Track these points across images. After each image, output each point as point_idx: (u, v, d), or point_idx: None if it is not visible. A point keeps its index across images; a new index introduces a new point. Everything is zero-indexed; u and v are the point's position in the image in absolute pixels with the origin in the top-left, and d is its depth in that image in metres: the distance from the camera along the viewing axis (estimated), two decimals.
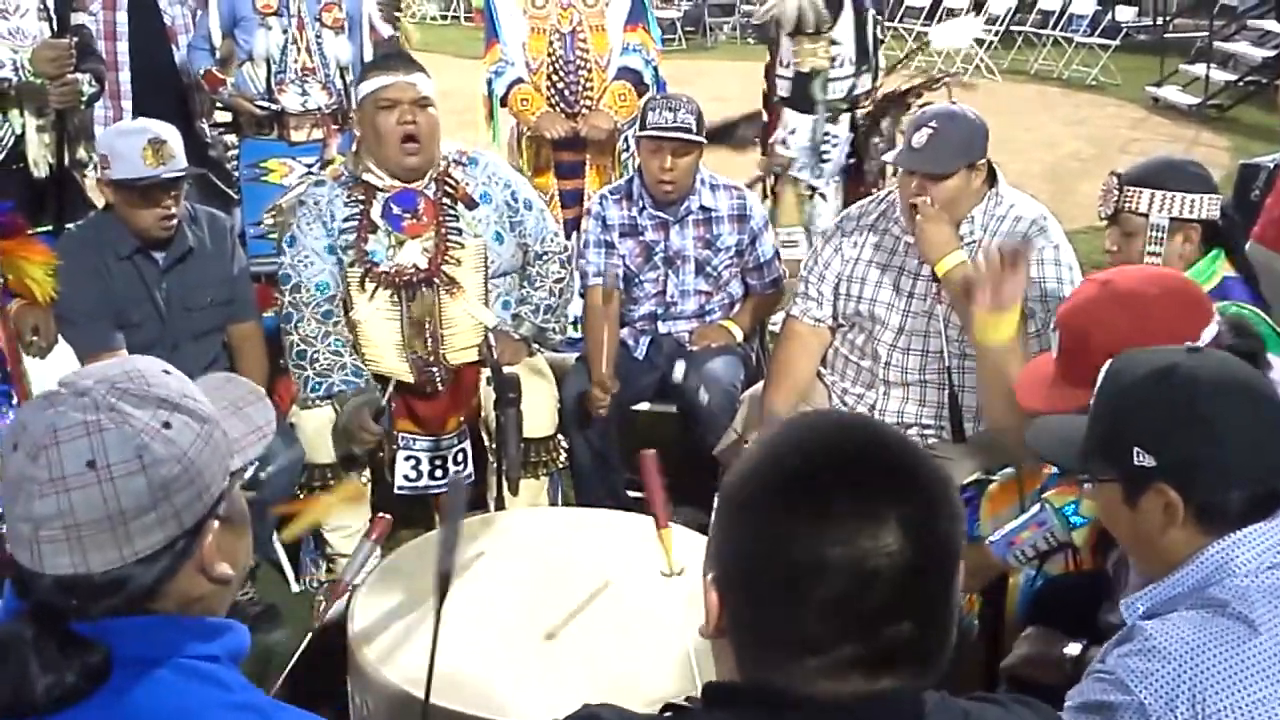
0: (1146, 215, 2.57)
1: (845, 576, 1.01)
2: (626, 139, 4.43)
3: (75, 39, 3.74)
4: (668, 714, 1.14)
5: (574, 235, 4.24)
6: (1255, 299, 2.54)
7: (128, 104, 4.47)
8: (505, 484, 2.88)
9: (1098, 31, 13.58)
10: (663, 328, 3.74)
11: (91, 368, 1.23)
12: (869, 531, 1.01)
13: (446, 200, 3.30)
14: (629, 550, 2.62)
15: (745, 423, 3.31)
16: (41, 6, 3.77)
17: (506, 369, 2.94)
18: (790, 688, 1.04)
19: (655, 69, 4.44)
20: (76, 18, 3.91)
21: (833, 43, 4.20)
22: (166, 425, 1.18)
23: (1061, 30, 13.86)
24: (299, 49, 4.28)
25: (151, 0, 4.53)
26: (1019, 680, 2.18)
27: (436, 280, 3.26)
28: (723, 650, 1.11)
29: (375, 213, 3.27)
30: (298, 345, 3.23)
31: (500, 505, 2.98)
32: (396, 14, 4.75)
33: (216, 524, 1.23)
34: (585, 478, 3.62)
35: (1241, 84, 11.48)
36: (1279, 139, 7.07)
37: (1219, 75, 11.66)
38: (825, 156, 4.33)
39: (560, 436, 3.44)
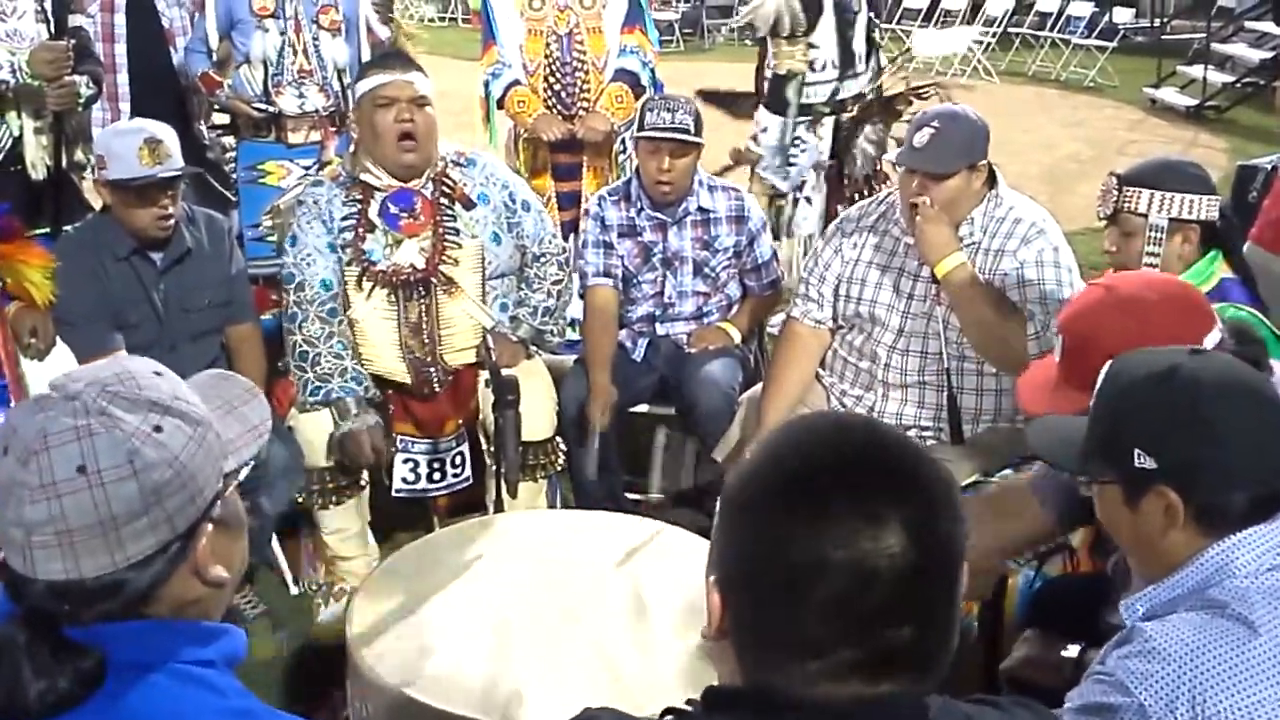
0: (1145, 216, 2.57)
1: (846, 577, 1.01)
2: (624, 141, 4.43)
3: (73, 41, 3.74)
4: (668, 718, 1.13)
5: (571, 237, 4.24)
6: (1253, 300, 2.54)
7: (125, 106, 4.47)
8: (504, 486, 2.88)
9: (1095, 33, 13.59)
10: (661, 329, 3.74)
11: (82, 370, 1.22)
12: (869, 533, 1.01)
13: (444, 200, 3.30)
14: (628, 553, 2.62)
15: (744, 425, 3.31)
16: (39, 8, 3.76)
17: (505, 371, 2.93)
18: (791, 691, 1.04)
19: (652, 71, 4.44)
20: (74, 20, 3.91)
21: (811, 46, 4.18)
22: (158, 429, 1.17)
23: (1059, 32, 13.87)
24: (296, 51, 4.28)
25: (149, 2, 4.53)
26: (1018, 683, 2.18)
27: (434, 280, 3.26)
28: (724, 653, 1.11)
29: (373, 212, 3.27)
30: (300, 346, 3.23)
31: (499, 508, 2.98)
32: (391, 15, 4.74)
33: (210, 527, 1.22)
34: (584, 480, 3.62)
35: (1239, 85, 11.49)
36: (1277, 140, 7.09)
37: (1216, 77, 11.67)
38: (792, 160, 4.32)
39: (558, 439, 3.44)
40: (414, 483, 3.37)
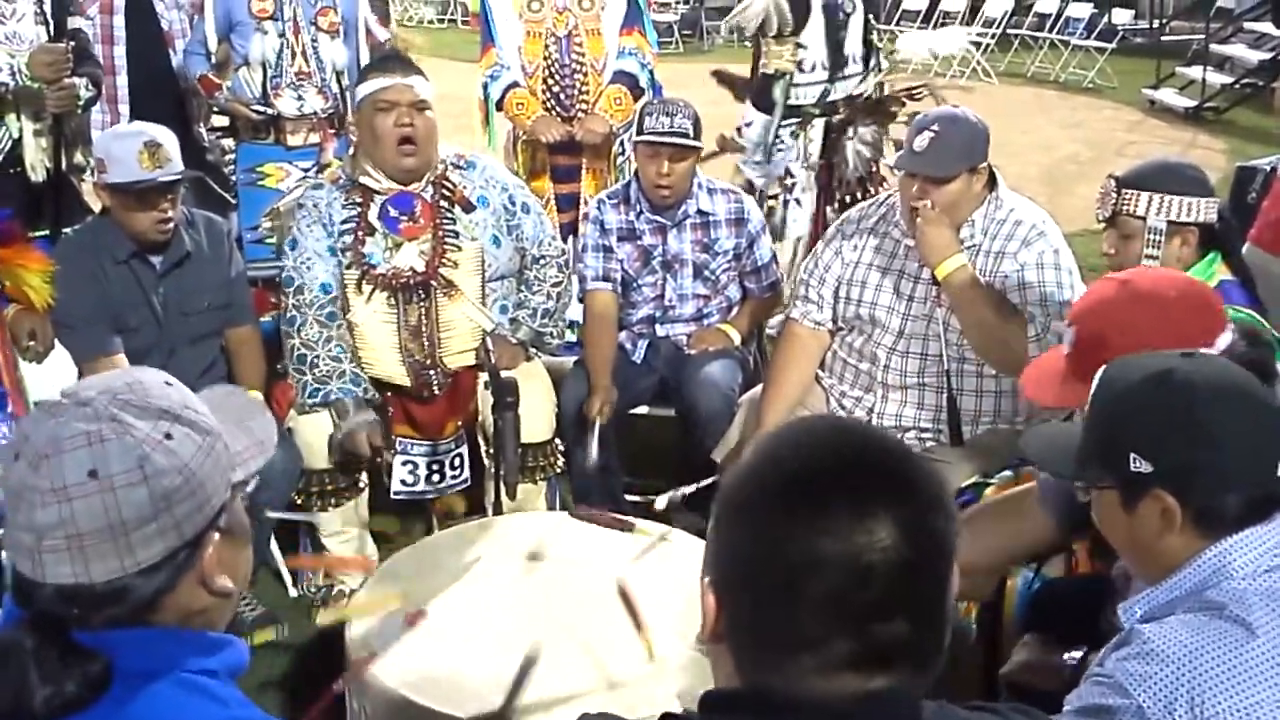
0: (1144, 218, 2.57)
1: (840, 571, 1.02)
2: (622, 143, 4.43)
3: (72, 43, 3.73)
4: None
5: (570, 239, 4.24)
6: (1252, 302, 2.54)
7: (125, 108, 4.47)
8: (503, 489, 2.88)
9: (1094, 34, 13.60)
10: (660, 331, 3.75)
11: (94, 379, 1.24)
12: (864, 527, 1.02)
13: (444, 203, 3.30)
14: (627, 555, 2.62)
15: (743, 426, 3.32)
16: (38, 11, 3.76)
17: (504, 373, 2.94)
18: (788, 689, 1.05)
19: (651, 73, 4.44)
20: (73, 22, 3.91)
21: (799, 46, 4.18)
22: (168, 436, 1.18)
23: (1058, 33, 13.88)
24: (295, 53, 4.28)
25: (148, 5, 4.53)
26: (1018, 687, 2.18)
27: (433, 283, 3.26)
28: (720, 656, 1.11)
29: (373, 215, 3.27)
30: (298, 349, 3.23)
31: (498, 510, 2.98)
32: (388, 15, 4.75)
33: (217, 536, 1.23)
34: (583, 483, 3.61)
35: (1238, 87, 11.49)
36: (1275, 142, 7.09)
37: (1215, 78, 11.68)
38: (770, 159, 4.34)
39: (558, 441, 3.44)
40: (413, 485, 3.36)
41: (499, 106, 4.41)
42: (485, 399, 3.22)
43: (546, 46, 4.31)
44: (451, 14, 17.10)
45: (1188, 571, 1.51)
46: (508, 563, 2.62)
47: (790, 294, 3.76)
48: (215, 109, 4.58)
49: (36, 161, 3.81)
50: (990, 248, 3.00)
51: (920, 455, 1.11)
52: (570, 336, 3.97)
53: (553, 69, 4.32)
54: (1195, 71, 11.91)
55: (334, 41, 4.33)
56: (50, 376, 3.09)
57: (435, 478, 3.37)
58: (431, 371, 3.29)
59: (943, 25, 13.77)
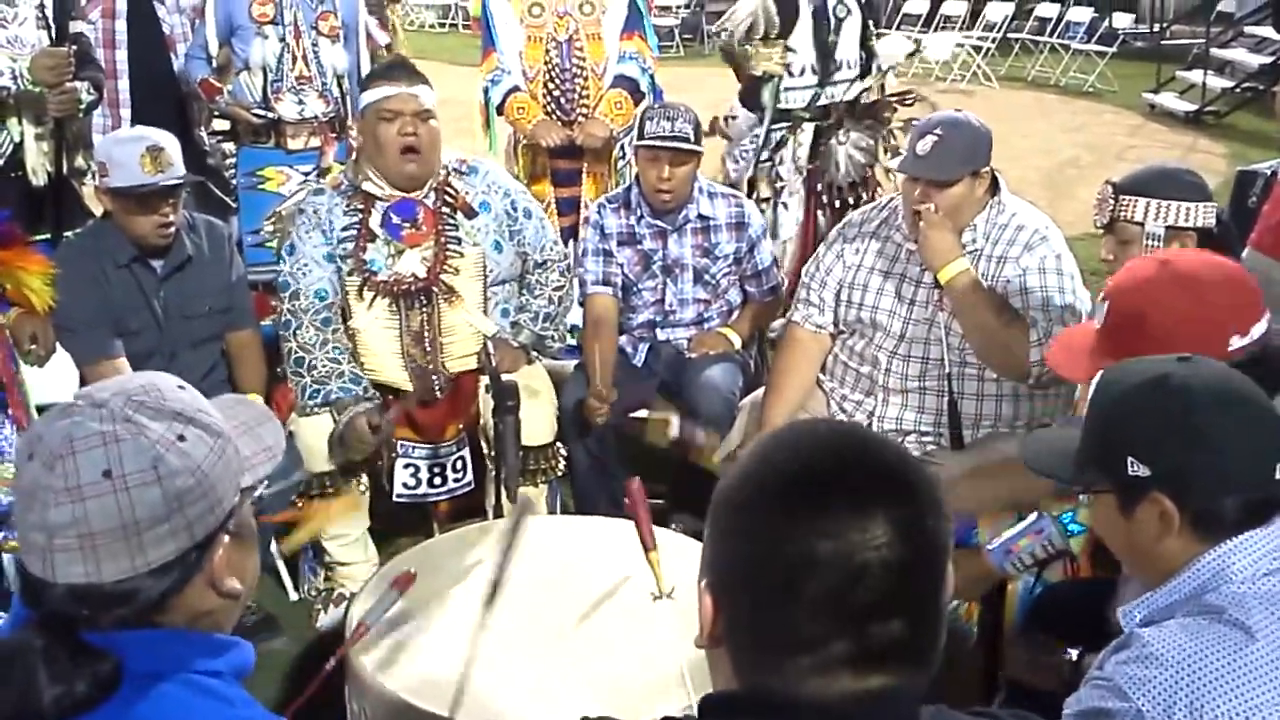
0: (1142, 224, 2.57)
1: (836, 571, 1.02)
2: (623, 147, 4.44)
3: (74, 47, 3.74)
4: None
5: (570, 243, 4.24)
6: None
7: (126, 112, 4.47)
8: (504, 492, 2.88)
9: (1094, 38, 13.61)
10: (661, 335, 3.75)
11: (108, 381, 1.26)
12: (859, 526, 1.03)
13: (446, 209, 3.30)
14: (628, 558, 2.62)
15: (744, 430, 3.32)
16: (40, 14, 3.77)
17: (505, 377, 2.94)
18: (785, 691, 1.05)
19: (652, 77, 4.45)
20: (75, 26, 3.91)
21: (788, 49, 4.19)
22: (181, 438, 1.20)
23: (1058, 37, 13.89)
24: (295, 58, 4.28)
25: (150, 9, 4.53)
26: (1019, 685, 2.18)
27: (435, 289, 3.26)
28: (719, 659, 1.11)
29: (374, 222, 3.27)
30: (296, 352, 3.23)
31: (499, 513, 2.98)
32: (385, 13, 4.74)
33: (227, 538, 1.25)
34: (584, 485, 3.62)
35: (1238, 91, 11.50)
36: (1276, 146, 7.07)
37: (1216, 82, 11.68)
38: (744, 156, 4.35)
39: (559, 444, 3.44)
40: (415, 488, 3.37)
41: (500, 111, 4.41)
42: (486, 403, 3.22)
43: (547, 51, 4.32)
44: (453, 19, 17.11)
45: (1187, 575, 1.51)
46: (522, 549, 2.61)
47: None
48: (216, 113, 4.58)
49: (38, 165, 3.81)
50: (992, 252, 3.00)
51: (916, 458, 1.11)
52: (571, 340, 3.97)
53: (553, 73, 4.32)
54: (1196, 76, 11.92)
55: (334, 46, 4.34)
56: (51, 380, 3.09)
57: (437, 481, 3.37)
58: (433, 376, 3.29)
59: (943, 30, 13.82)
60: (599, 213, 3.72)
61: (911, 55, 4.65)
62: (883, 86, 4.37)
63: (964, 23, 14.22)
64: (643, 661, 2.25)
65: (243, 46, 4.27)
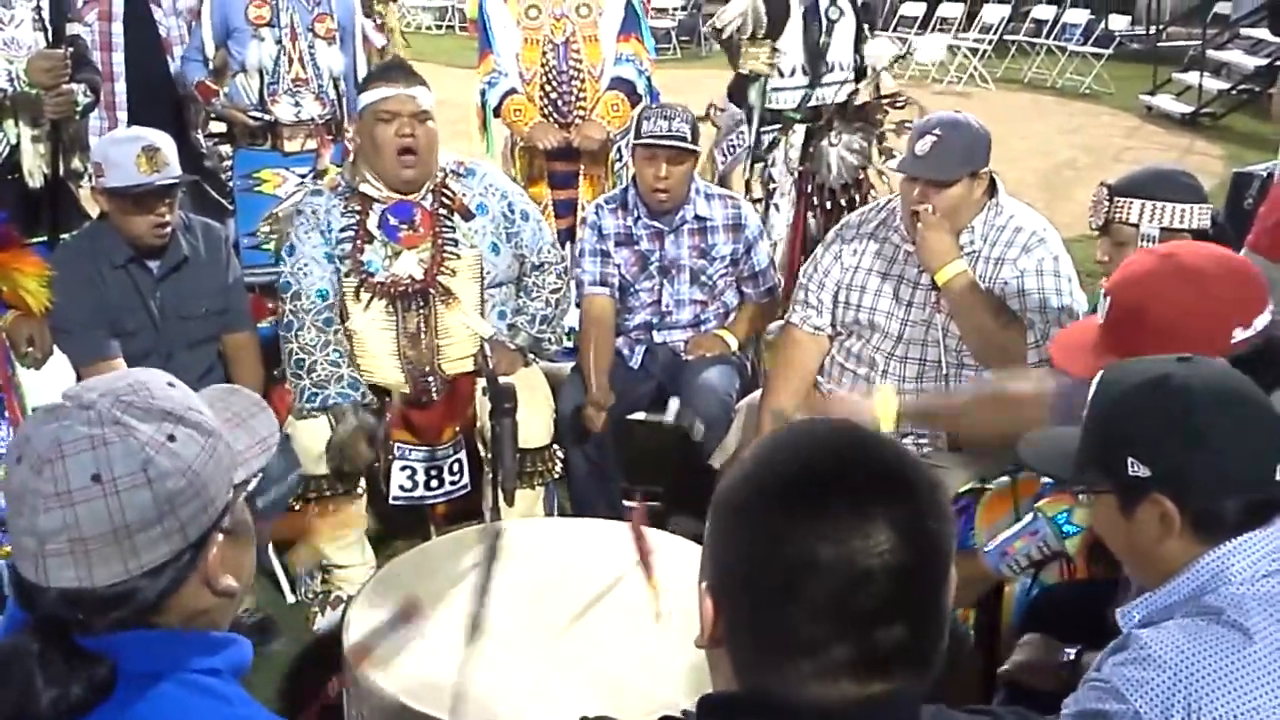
0: (1137, 226, 2.58)
1: (838, 576, 1.02)
2: (620, 149, 4.44)
3: (70, 49, 3.73)
4: None
5: (568, 245, 4.24)
6: None
7: (123, 114, 4.46)
8: (501, 494, 2.88)
9: (1091, 40, 13.63)
10: (658, 337, 3.75)
11: (95, 381, 1.23)
12: (862, 531, 1.02)
13: (443, 211, 3.30)
14: (625, 560, 2.61)
15: (741, 431, 3.32)
16: (37, 17, 3.76)
17: (502, 379, 2.93)
18: (785, 695, 1.05)
19: (649, 79, 4.44)
20: (72, 28, 3.90)
21: (775, 50, 4.19)
22: (171, 438, 1.18)
23: (1055, 39, 13.90)
24: (292, 60, 4.28)
25: (147, 11, 4.53)
26: (1016, 686, 2.18)
27: (432, 291, 3.26)
28: (719, 660, 1.11)
29: (372, 223, 3.27)
30: (296, 354, 3.23)
31: (496, 516, 2.98)
32: (379, 11, 4.73)
33: (221, 537, 1.23)
34: (581, 489, 3.62)
35: (1234, 92, 11.52)
36: (1272, 147, 7.07)
37: (1212, 84, 11.70)
38: (731, 150, 4.36)
39: (556, 446, 3.44)
40: (411, 490, 3.37)
41: (496, 113, 4.41)
42: (483, 405, 3.22)
43: (544, 53, 4.32)
44: (449, 20, 17.11)
45: (1186, 576, 1.51)
46: (505, 569, 2.61)
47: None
48: (212, 115, 4.58)
49: (34, 167, 3.81)
50: (990, 254, 3.00)
51: (917, 457, 1.11)
52: (568, 343, 3.97)
53: (550, 75, 4.32)
54: (1192, 77, 11.94)
55: (331, 48, 4.34)
56: (48, 382, 3.09)
57: (433, 483, 3.37)
58: (430, 378, 3.29)
59: (939, 31, 13.83)
60: (596, 214, 3.72)
61: (899, 59, 4.63)
62: (876, 88, 4.37)
63: (960, 24, 14.23)
64: (641, 662, 2.25)
65: (239, 49, 4.27)
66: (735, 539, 1.09)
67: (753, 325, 3.88)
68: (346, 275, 3.26)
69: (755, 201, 4.28)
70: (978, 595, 2.48)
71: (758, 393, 3.37)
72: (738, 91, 4.30)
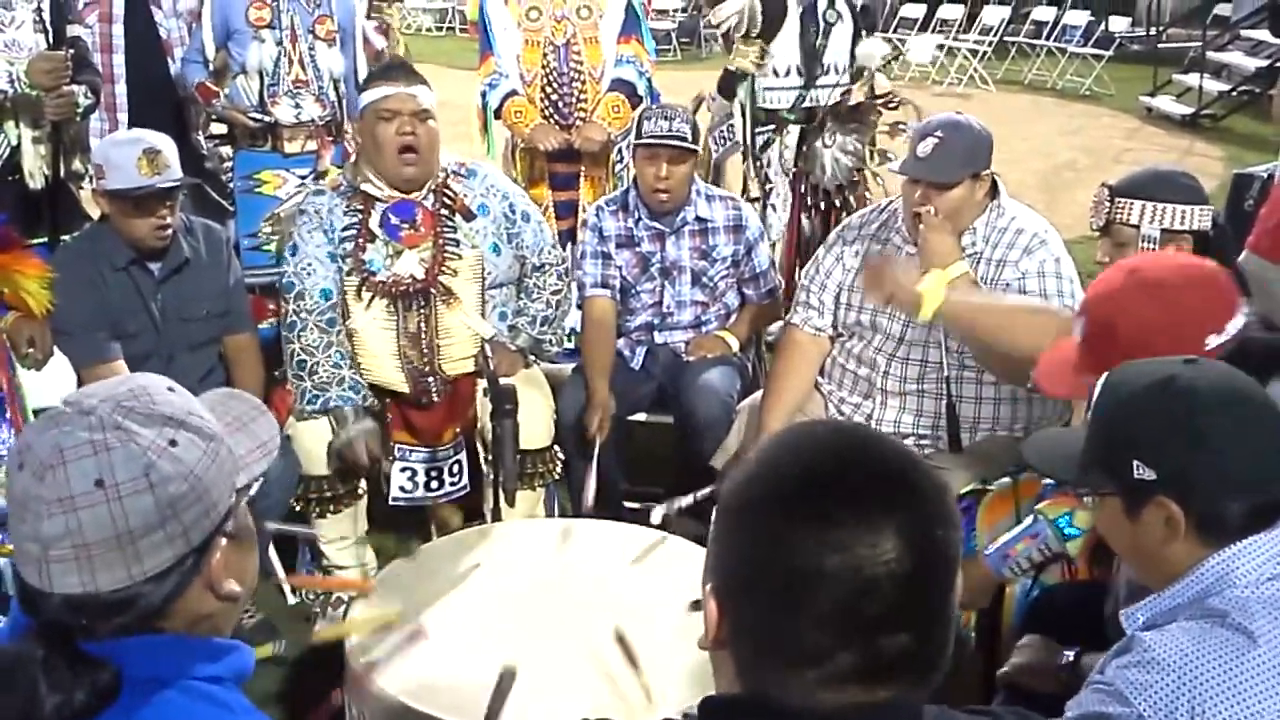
0: (1138, 227, 2.57)
1: (844, 585, 1.01)
2: (620, 151, 4.44)
3: (71, 51, 3.73)
4: None
5: (568, 246, 4.24)
6: None
7: (124, 116, 4.46)
8: (501, 495, 2.88)
9: (1091, 42, 13.64)
10: (659, 338, 3.75)
11: (97, 386, 1.23)
12: (868, 540, 1.01)
13: (445, 211, 3.30)
14: (626, 561, 2.62)
15: (742, 433, 3.31)
16: (37, 19, 3.76)
17: (503, 380, 2.94)
18: (788, 700, 1.04)
19: (649, 80, 4.44)
20: (72, 30, 3.90)
21: (765, 51, 4.19)
22: (173, 443, 1.18)
23: (1055, 41, 13.92)
24: (292, 61, 4.28)
25: (147, 13, 4.53)
26: (1016, 689, 2.18)
27: (433, 291, 3.26)
28: (722, 662, 1.11)
29: (373, 222, 3.27)
30: (299, 355, 3.22)
31: (496, 517, 2.98)
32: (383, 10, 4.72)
33: (224, 541, 1.23)
34: (581, 496, 3.61)
35: (1235, 94, 11.53)
36: (1272, 149, 7.08)
37: (1212, 85, 11.71)
38: (722, 139, 4.37)
39: (556, 448, 3.44)
40: (411, 491, 3.36)
41: (497, 114, 4.40)
42: (484, 406, 3.22)
43: (545, 55, 4.31)
44: (450, 22, 17.12)
45: (1190, 579, 1.51)
46: (506, 570, 2.62)
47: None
48: (213, 116, 4.57)
49: (35, 169, 3.80)
50: (992, 256, 3.00)
51: (922, 459, 1.11)
52: (569, 344, 3.97)
53: (551, 77, 4.32)
54: (1192, 79, 11.95)
55: (331, 49, 4.33)
56: (49, 383, 3.09)
57: (434, 485, 3.37)
58: (430, 378, 3.29)
59: (938, 33, 13.83)
60: (597, 215, 3.72)
61: (890, 60, 4.64)
62: (872, 89, 4.37)
63: (960, 26, 14.23)
64: (641, 662, 2.25)
65: (239, 50, 4.27)
66: (737, 541, 1.09)
67: (754, 326, 3.88)
68: (348, 274, 3.25)
69: (753, 201, 4.28)
70: (983, 604, 2.48)
71: (759, 394, 3.36)
72: (726, 85, 4.31)
